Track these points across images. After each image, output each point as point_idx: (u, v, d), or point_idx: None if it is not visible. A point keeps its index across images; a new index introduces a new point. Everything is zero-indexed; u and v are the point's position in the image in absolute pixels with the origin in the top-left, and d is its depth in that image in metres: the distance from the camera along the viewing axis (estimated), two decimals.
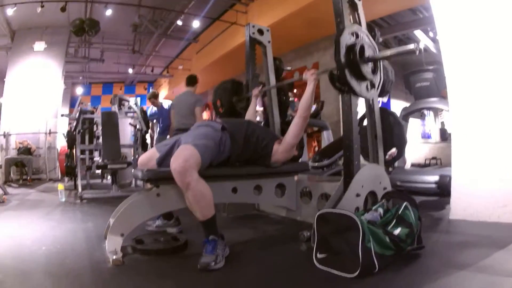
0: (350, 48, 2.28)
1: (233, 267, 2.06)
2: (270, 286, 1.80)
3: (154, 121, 7.48)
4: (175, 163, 2.08)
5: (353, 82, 2.30)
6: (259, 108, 5.59)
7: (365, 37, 2.40)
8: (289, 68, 4.17)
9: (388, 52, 2.37)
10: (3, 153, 8.29)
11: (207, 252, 2.05)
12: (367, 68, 2.33)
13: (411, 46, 2.10)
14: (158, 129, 6.96)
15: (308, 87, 2.61)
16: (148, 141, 7.50)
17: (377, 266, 1.81)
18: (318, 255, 2.00)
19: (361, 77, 2.32)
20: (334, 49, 2.24)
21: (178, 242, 2.46)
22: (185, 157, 2.11)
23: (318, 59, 8.83)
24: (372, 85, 2.45)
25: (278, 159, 2.57)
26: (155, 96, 7.03)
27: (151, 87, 17.65)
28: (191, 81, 5.36)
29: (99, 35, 9.47)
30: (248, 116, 3.26)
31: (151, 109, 7.15)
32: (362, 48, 2.30)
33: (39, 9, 7.60)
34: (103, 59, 12.04)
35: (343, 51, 2.25)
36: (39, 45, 9.19)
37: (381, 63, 2.53)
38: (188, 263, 2.13)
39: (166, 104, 7.42)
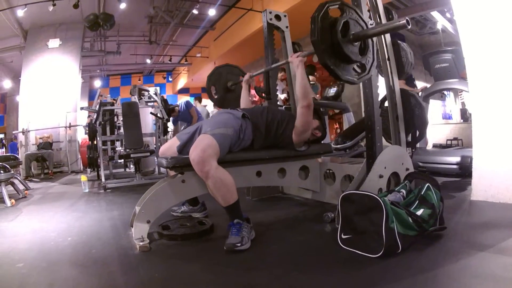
0: (331, 25, 2.03)
1: (258, 248, 2.11)
2: (296, 266, 1.83)
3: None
4: (194, 153, 2.15)
5: (335, 65, 2.04)
6: (282, 96, 5.58)
7: (352, 13, 2.15)
8: (306, 51, 4.16)
9: (376, 29, 2.14)
10: (22, 149, 8.42)
11: (232, 234, 2.11)
12: (352, 48, 2.07)
13: (402, 21, 1.88)
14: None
15: (297, 72, 2.56)
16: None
17: (400, 246, 1.83)
18: (343, 236, 2.03)
19: (346, 59, 2.08)
20: (310, 28, 2.00)
21: (204, 226, 2.51)
22: (203, 147, 2.17)
23: None
24: (363, 67, 2.20)
25: (296, 142, 2.60)
26: (173, 111, 7.25)
27: (169, 76, 17.77)
28: None
29: (114, 28, 9.50)
30: (243, 102, 3.25)
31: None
32: (346, 24, 2.03)
33: (51, 8, 7.64)
34: (119, 52, 12.11)
35: (318, 28, 1.98)
36: (54, 42, 9.22)
37: (373, 40, 2.26)
38: (214, 246, 2.18)
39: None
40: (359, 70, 2.19)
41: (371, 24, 2.43)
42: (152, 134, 6.37)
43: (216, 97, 3.70)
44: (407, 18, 1.89)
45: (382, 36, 2.83)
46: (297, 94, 2.57)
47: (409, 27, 1.89)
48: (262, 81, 3.91)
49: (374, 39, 2.32)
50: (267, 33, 3.50)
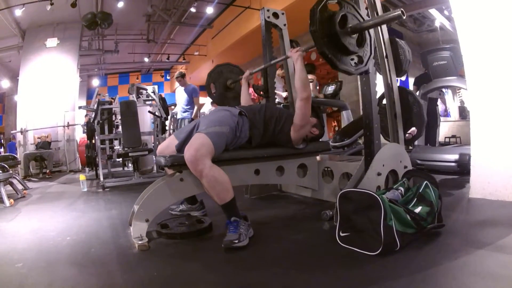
0: (329, 18, 2.09)
1: (257, 246, 2.11)
2: (294, 265, 1.83)
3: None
4: (187, 152, 2.17)
5: (333, 54, 2.09)
6: (282, 93, 5.58)
7: (349, 7, 2.20)
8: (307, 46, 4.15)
9: (373, 21, 2.18)
10: (21, 149, 8.41)
11: (230, 231, 2.12)
12: (350, 40, 2.13)
13: (397, 12, 1.92)
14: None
15: (296, 66, 2.59)
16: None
17: (398, 244, 1.84)
18: (341, 234, 2.04)
19: (343, 50, 2.13)
20: (309, 19, 2.06)
21: (203, 224, 2.52)
22: (196, 146, 2.18)
23: None
24: (360, 60, 2.25)
25: (295, 139, 2.60)
26: (182, 76, 7.02)
27: (167, 75, 17.73)
28: None
29: (112, 27, 9.48)
30: (243, 99, 3.29)
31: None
32: (344, 17, 2.10)
33: (48, 7, 7.62)
34: (117, 50, 12.11)
35: (317, 19, 2.03)
36: (52, 42, 9.19)
37: (371, 34, 2.32)
38: (213, 245, 2.18)
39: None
40: (356, 62, 2.23)
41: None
42: (150, 133, 6.36)
43: (215, 94, 3.70)
44: (402, 9, 1.91)
45: (380, 33, 2.83)
46: (296, 87, 2.59)
47: (404, 17, 1.92)
48: (260, 79, 3.91)
49: (372, 34, 2.35)
50: (265, 31, 3.50)
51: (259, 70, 3.43)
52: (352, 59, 2.20)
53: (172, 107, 7.38)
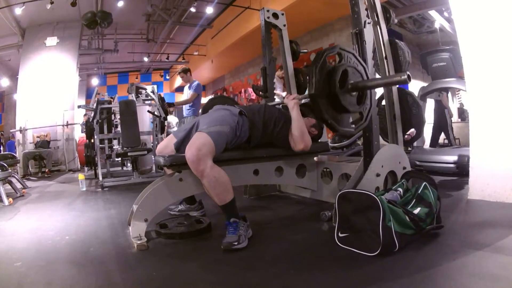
0: (329, 75, 2.03)
1: (256, 247, 2.11)
2: (293, 265, 1.83)
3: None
4: (189, 152, 2.15)
5: (332, 118, 2.05)
6: (281, 93, 5.58)
7: (350, 58, 2.13)
8: (305, 50, 4.16)
9: (376, 82, 2.13)
10: (20, 148, 8.42)
11: (229, 233, 2.11)
12: (350, 99, 2.07)
13: (403, 76, 1.88)
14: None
15: (292, 114, 2.55)
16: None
17: (397, 245, 1.84)
18: (340, 234, 2.04)
19: (342, 110, 2.09)
20: (308, 80, 2.01)
21: (202, 224, 2.51)
22: (198, 145, 2.17)
23: (335, 40, 8.74)
24: (360, 117, 2.20)
25: (293, 147, 2.59)
26: (185, 71, 6.56)
27: (167, 74, 17.72)
28: None
29: (112, 26, 9.47)
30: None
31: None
32: (344, 73, 2.02)
33: (48, 6, 7.63)
34: (117, 50, 12.11)
35: (317, 79, 1.97)
36: (51, 41, 9.20)
37: (370, 91, 2.23)
38: (212, 245, 2.18)
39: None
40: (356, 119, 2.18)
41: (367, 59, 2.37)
42: (150, 133, 6.35)
43: None
44: (408, 73, 1.88)
45: (380, 34, 2.84)
46: (293, 136, 2.53)
47: (410, 82, 1.89)
48: (259, 80, 3.91)
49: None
50: (265, 32, 3.50)
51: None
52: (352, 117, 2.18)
53: (171, 109, 7.20)
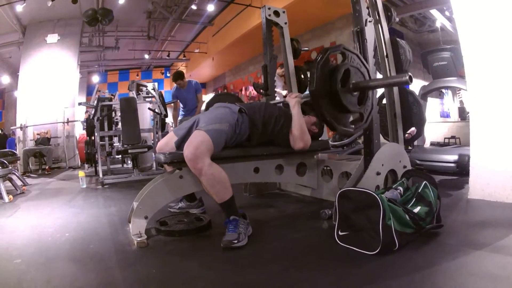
0: (331, 73, 2.02)
1: (255, 245, 2.11)
2: (293, 263, 1.83)
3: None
4: (187, 150, 2.16)
5: (332, 116, 2.05)
6: (281, 91, 5.57)
7: (354, 58, 2.13)
8: (306, 48, 4.15)
9: (378, 82, 2.14)
10: (20, 145, 8.39)
11: (229, 231, 2.11)
12: (351, 99, 2.06)
13: (405, 78, 1.89)
14: (181, 111, 6.51)
15: (293, 112, 2.57)
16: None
17: (397, 243, 1.84)
18: (340, 233, 2.04)
19: (343, 109, 2.08)
20: (309, 77, 2.01)
21: (202, 222, 2.52)
22: (196, 144, 2.18)
23: (336, 38, 8.73)
24: (360, 118, 2.20)
25: (292, 146, 2.59)
26: (181, 77, 6.31)
27: (168, 72, 17.69)
28: None
29: (113, 24, 9.46)
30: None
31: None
32: (346, 72, 2.02)
33: (49, 3, 7.60)
34: (118, 47, 12.09)
35: (319, 75, 1.95)
36: (52, 38, 9.15)
37: (372, 91, 2.23)
38: (212, 243, 2.18)
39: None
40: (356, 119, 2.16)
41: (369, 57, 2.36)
42: (150, 130, 6.35)
43: None
44: (410, 74, 1.88)
45: (381, 33, 2.83)
46: (293, 134, 2.54)
47: (411, 83, 1.89)
48: (260, 78, 3.90)
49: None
50: (266, 29, 3.49)
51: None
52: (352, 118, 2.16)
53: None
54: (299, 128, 2.51)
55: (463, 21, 3.12)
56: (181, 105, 6.42)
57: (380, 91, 2.67)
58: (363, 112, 2.20)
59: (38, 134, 8.26)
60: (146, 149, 5.13)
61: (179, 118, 6.43)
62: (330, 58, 2.11)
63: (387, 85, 2.14)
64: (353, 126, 2.23)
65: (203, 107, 4.24)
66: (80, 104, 8.58)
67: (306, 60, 8.63)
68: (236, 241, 2.05)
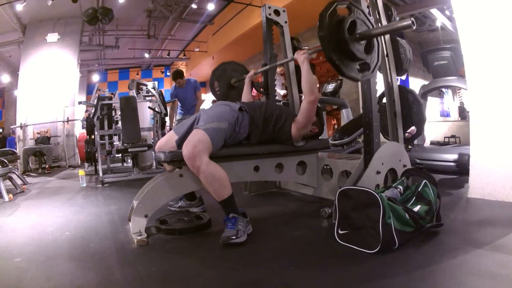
0: (338, 23, 2.05)
1: (255, 243, 2.12)
2: (293, 262, 1.83)
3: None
4: (185, 149, 2.18)
5: (340, 60, 2.04)
6: (280, 91, 5.57)
7: (359, 13, 2.16)
8: (306, 47, 4.15)
9: (382, 29, 2.17)
10: (20, 144, 8.38)
11: (228, 227, 2.13)
12: (358, 46, 2.08)
13: (407, 22, 1.89)
14: (179, 110, 6.45)
15: (302, 68, 2.60)
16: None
17: (397, 242, 1.84)
18: (340, 231, 2.04)
19: (351, 56, 2.08)
20: (318, 24, 2.04)
21: (202, 220, 2.52)
22: (194, 142, 2.19)
23: None
24: (366, 67, 2.18)
25: (295, 137, 2.61)
26: (180, 76, 6.27)
27: (168, 71, 17.69)
28: None
29: (113, 22, 9.47)
30: (244, 97, 3.31)
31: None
32: (352, 23, 2.05)
33: (49, 2, 7.62)
34: (118, 46, 12.11)
35: (326, 24, 2.00)
36: (52, 37, 9.15)
37: (379, 41, 2.26)
38: (212, 241, 2.18)
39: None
40: (363, 68, 2.17)
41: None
42: (150, 129, 6.35)
43: (218, 92, 3.69)
44: (412, 19, 1.87)
45: None
46: (303, 89, 2.60)
47: (414, 27, 1.88)
48: (260, 77, 3.90)
49: (380, 40, 2.32)
50: (266, 28, 3.49)
51: (264, 70, 3.42)
52: (359, 66, 2.15)
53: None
54: (309, 82, 2.55)
55: (463, 20, 3.12)
56: (179, 105, 6.39)
57: (380, 90, 2.67)
58: (370, 62, 2.19)
59: (38, 133, 8.25)
60: (146, 148, 5.13)
61: (178, 117, 6.41)
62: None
63: (391, 31, 2.14)
64: (361, 73, 2.20)
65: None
66: (80, 103, 8.57)
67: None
68: (234, 237, 2.05)
